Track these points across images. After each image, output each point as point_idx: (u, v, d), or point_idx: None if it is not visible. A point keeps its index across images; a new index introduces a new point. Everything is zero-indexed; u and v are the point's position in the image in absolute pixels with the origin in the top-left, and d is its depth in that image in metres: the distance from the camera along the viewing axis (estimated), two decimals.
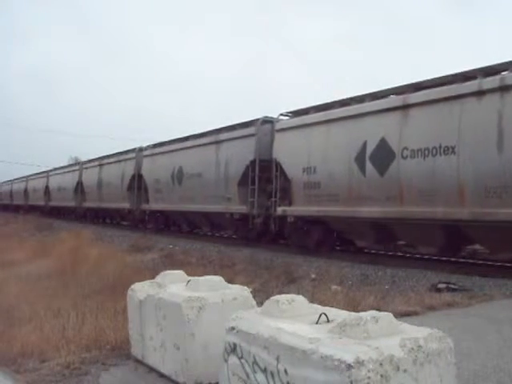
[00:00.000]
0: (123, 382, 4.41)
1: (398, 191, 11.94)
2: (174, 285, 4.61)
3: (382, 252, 14.64)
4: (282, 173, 15.73)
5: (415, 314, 6.58)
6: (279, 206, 15.79)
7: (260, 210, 16.77)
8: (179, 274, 5.03)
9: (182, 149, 22.11)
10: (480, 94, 10.46)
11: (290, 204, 15.52)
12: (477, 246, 12.87)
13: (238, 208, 17.65)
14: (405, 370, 2.48)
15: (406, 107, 12.01)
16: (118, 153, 29.53)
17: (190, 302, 4.03)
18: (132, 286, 5.03)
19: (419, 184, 11.44)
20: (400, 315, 5.86)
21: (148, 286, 4.86)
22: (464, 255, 13.39)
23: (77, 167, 36.90)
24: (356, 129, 13.17)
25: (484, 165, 10.27)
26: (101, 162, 31.69)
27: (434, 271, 10.68)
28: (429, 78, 12.07)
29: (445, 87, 11.30)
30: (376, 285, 9.71)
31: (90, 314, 6.71)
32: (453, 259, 12.83)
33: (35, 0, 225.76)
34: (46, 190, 42.21)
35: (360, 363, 2.37)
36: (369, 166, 12.69)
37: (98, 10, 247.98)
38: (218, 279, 4.55)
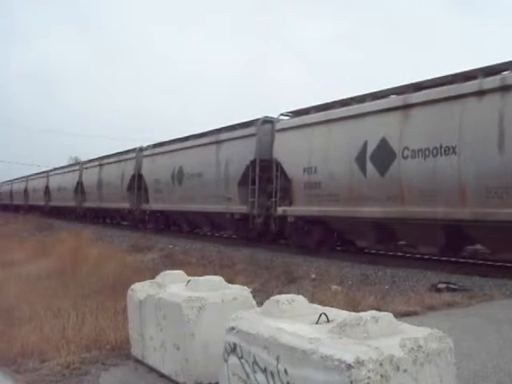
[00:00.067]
0: (123, 382, 4.41)
1: (399, 191, 11.94)
2: (173, 285, 4.61)
3: (382, 252, 14.64)
4: (283, 173, 15.73)
5: (415, 314, 6.58)
6: (279, 206, 15.79)
7: (260, 210, 16.77)
8: (179, 274, 5.03)
9: (182, 149, 22.11)
10: (481, 93, 10.45)
11: (290, 204, 15.52)
12: (478, 246, 12.86)
13: (238, 208, 17.65)
14: (405, 370, 2.48)
15: (406, 107, 12.00)
16: (118, 153, 29.53)
17: (190, 301, 4.03)
18: (132, 286, 5.02)
19: (420, 184, 11.44)
20: (400, 315, 5.86)
21: (148, 286, 4.86)
22: (464, 255, 13.39)
23: (77, 167, 36.91)
24: (356, 129, 13.17)
25: (485, 165, 10.27)
26: (101, 161, 31.69)
27: (434, 271, 10.68)
28: (429, 77, 12.09)
29: (445, 87, 11.30)
30: (376, 285, 9.71)
31: (90, 313, 6.71)
32: (453, 259, 12.83)
33: (35, 0, 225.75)
34: (46, 190, 42.21)
35: (360, 363, 2.37)
36: (369, 165, 12.69)
37: (97, 10, 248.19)
38: (217, 279, 4.55)
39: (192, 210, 20.86)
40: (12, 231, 26.01)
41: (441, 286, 8.92)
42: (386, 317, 2.84)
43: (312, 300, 4.13)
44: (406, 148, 11.76)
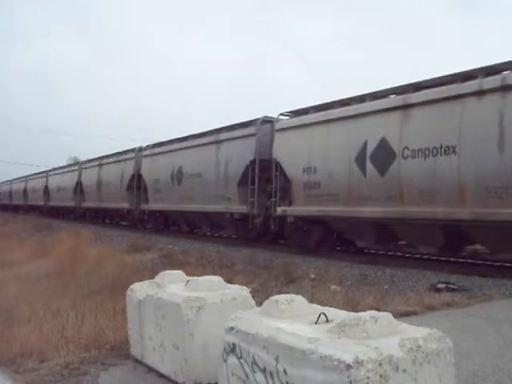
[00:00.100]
0: (122, 382, 4.41)
1: (399, 191, 11.94)
2: (173, 285, 4.61)
3: (382, 252, 14.64)
4: (282, 173, 15.73)
5: (414, 314, 6.58)
6: (279, 205, 15.79)
7: (260, 210, 16.77)
8: (178, 273, 5.03)
9: (181, 149, 22.10)
10: (481, 93, 10.45)
11: (289, 204, 15.52)
12: (477, 246, 12.87)
13: (237, 208, 17.65)
14: (404, 370, 2.48)
15: (406, 107, 12.00)
16: (118, 153, 29.53)
17: (189, 302, 4.03)
18: (131, 286, 5.02)
19: (420, 184, 11.44)
20: (399, 315, 5.86)
21: (147, 286, 4.86)
22: (464, 255, 13.40)
23: (76, 167, 36.90)
24: (356, 129, 13.16)
25: (485, 165, 10.27)
26: (100, 161, 31.68)
27: (433, 271, 10.68)
28: (429, 77, 12.08)
29: (445, 87, 11.29)
30: (375, 285, 9.71)
31: (89, 313, 6.71)
32: (452, 259, 12.83)
33: (35, 0, 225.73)
34: (46, 190, 42.21)
35: (359, 363, 2.37)
36: (369, 165, 12.69)
37: (98, 10, 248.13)
38: (217, 279, 4.55)
39: (191, 210, 20.86)
40: (11, 231, 26.01)
41: (440, 286, 8.92)
42: (386, 317, 2.84)
43: (311, 300, 4.13)
44: (406, 148, 11.76)
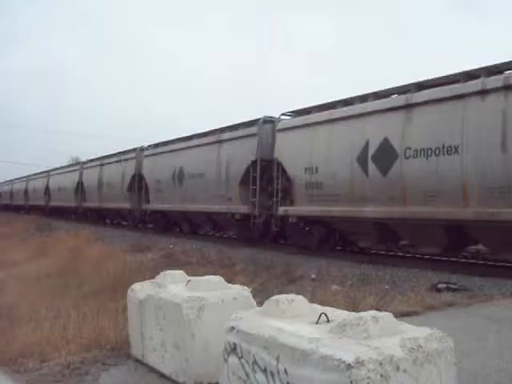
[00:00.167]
0: (123, 382, 4.41)
1: (401, 191, 11.93)
2: (174, 285, 4.61)
3: (382, 252, 14.62)
4: (284, 173, 15.72)
5: (415, 313, 6.58)
6: (281, 206, 15.79)
7: (261, 210, 16.77)
8: (179, 273, 5.03)
9: (182, 149, 22.11)
10: (484, 93, 10.44)
11: (291, 204, 15.52)
12: (480, 247, 12.85)
13: (239, 208, 17.65)
14: (405, 370, 2.48)
15: (409, 106, 11.99)
16: (119, 153, 29.53)
17: (190, 301, 4.03)
18: (132, 286, 5.02)
19: (422, 184, 11.42)
20: (400, 315, 5.85)
21: (148, 286, 4.86)
22: (465, 255, 13.39)
23: (77, 167, 36.95)
24: (358, 128, 13.15)
25: (488, 165, 10.25)
26: (101, 162, 31.70)
27: (433, 271, 10.67)
28: (431, 77, 12.07)
29: (448, 86, 11.28)
30: (376, 285, 9.69)
31: (90, 313, 6.70)
32: (453, 259, 12.83)
33: (35, 0, 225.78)
34: (47, 190, 42.25)
35: (360, 363, 2.37)
36: (371, 165, 12.68)
37: (98, 10, 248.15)
38: (217, 279, 4.55)
39: (193, 210, 20.87)
40: (12, 231, 25.98)
41: (441, 285, 8.91)
42: (386, 317, 2.84)
43: (312, 300, 4.13)
44: (409, 148, 11.74)
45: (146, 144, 26.93)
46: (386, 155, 12.29)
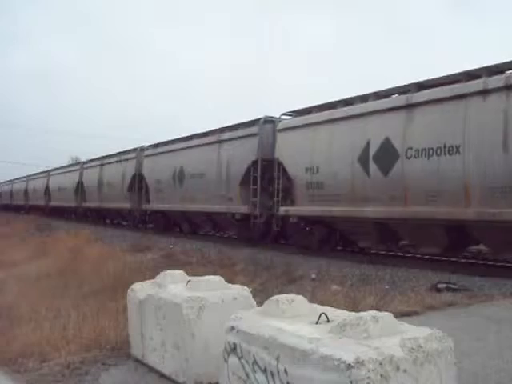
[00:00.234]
0: (123, 382, 4.41)
1: (402, 191, 11.92)
2: (174, 285, 4.61)
3: (382, 252, 14.63)
4: (285, 173, 15.72)
5: (415, 313, 6.58)
6: (281, 206, 15.79)
7: (262, 210, 16.77)
8: (179, 273, 5.03)
9: (183, 149, 22.11)
10: (485, 93, 10.43)
11: (292, 204, 15.52)
12: (481, 247, 12.85)
13: (239, 208, 17.65)
14: (405, 370, 2.48)
15: (410, 106, 11.98)
16: (119, 153, 29.53)
17: (190, 301, 4.03)
18: (132, 286, 5.02)
19: (424, 184, 11.41)
20: (400, 315, 5.85)
21: (148, 286, 4.86)
22: (465, 255, 13.39)
23: (77, 167, 36.96)
24: (359, 128, 13.14)
25: (489, 165, 10.25)
26: (101, 162, 31.71)
27: (433, 271, 10.67)
28: (432, 77, 12.07)
29: (449, 86, 11.27)
30: (376, 285, 9.69)
31: (90, 313, 6.70)
32: (453, 259, 12.83)
33: (35, 0, 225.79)
34: (47, 190, 42.25)
35: (360, 363, 2.37)
36: (372, 165, 12.68)
37: (98, 10, 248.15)
38: (218, 279, 4.55)
39: (193, 210, 20.86)
40: (12, 231, 25.98)
41: (441, 285, 8.91)
42: (386, 317, 2.84)
43: (312, 300, 4.13)
44: (410, 148, 11.73)
45: (146, 144, 26.98)
46: (387, 155, 12.28)
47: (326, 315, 3.05)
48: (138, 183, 25.94)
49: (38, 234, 24.27)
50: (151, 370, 4.51)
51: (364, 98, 13.65)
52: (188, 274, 5.12)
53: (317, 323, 2.99)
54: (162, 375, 4.34)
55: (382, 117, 12.62)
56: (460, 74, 11.29)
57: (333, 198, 13.86)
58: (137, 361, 4.78)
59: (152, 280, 5.00)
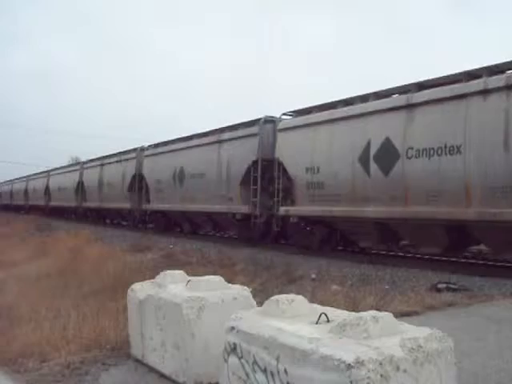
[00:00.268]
0: (123, 382, 4.41)
1: (403, 191, 11.92)
2: (174, 285, 4.61)
3: (382, 252, 14.63)
4: (285, 173, 15.71)
5: (415, 313, 6.58)
6: (282, 206, 15.79)
7: (262, 210, 16.77)
8: (179, 273, 5.03)
9: (183, 148, 22.11)
10: (486, 92, 10.43)
11: (292, 204, 15.51)
12: (482, 247, 12.84)
13: (240, 208, 17.64)
14: (405, 370, 2.48)
15: (410, 106, 11.97)
16: (119, 153, 29.54)
17: (190, 302, 4.03)
18: (132, 286, 5.02)
19: (424, 184, 11.41)
20: (400, 315, 5.84)
21: (148, 286, 4.86)
22: (465, 255, 13.38)
23: (77, 167, 36.96)
24: (360, 128, 13.13)
25: (490, 164, 10.24)
26: (102, 162, 31.71)
27: (433, 271, 10.67)
28: (432, 77, 12.06)
29: (450, 86, 11.27)
30: (376, 285, 9.69)
31: (90, 313, 6.70)
32: (453, 259, 12.82)
33: (35, 0, 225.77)
34: (47, 190, 42.25)
35: (360, 363, 2.37)
36: (373, 165, 12.67)
37: (98, 10, 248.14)
38: (217, 279, 4.55)
39: (193, 210, 20.86)
40: (12, 231, 25.98)
41: (441, 285, 8.91)
42: (386, 317, 2.84)
43: (312, 300, 4.13)
44: (411, 148, 11.73)
45: (146, 144, 26.98)
46: (387, 155, 12.28)
47: (326, 315, 3.05)
48: (138, 183, 25.94)
49: (38, 234, 24.27)
50: (151, 369, 4.51)
51: (364, 98, 13.64)
52: (188, 273, 5.12)
53: (317, 323, 2.99)
54: (162, 375, 4.34)
55: (383, 117, 12.61)
56: (460, 73, 11.29)
57: (333, 198, 13.85)
58: (137, 361, 4.78)
59: (152, 280, 5.00)
